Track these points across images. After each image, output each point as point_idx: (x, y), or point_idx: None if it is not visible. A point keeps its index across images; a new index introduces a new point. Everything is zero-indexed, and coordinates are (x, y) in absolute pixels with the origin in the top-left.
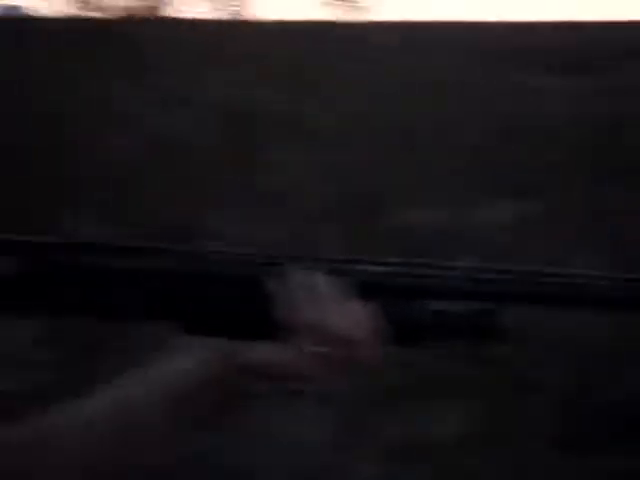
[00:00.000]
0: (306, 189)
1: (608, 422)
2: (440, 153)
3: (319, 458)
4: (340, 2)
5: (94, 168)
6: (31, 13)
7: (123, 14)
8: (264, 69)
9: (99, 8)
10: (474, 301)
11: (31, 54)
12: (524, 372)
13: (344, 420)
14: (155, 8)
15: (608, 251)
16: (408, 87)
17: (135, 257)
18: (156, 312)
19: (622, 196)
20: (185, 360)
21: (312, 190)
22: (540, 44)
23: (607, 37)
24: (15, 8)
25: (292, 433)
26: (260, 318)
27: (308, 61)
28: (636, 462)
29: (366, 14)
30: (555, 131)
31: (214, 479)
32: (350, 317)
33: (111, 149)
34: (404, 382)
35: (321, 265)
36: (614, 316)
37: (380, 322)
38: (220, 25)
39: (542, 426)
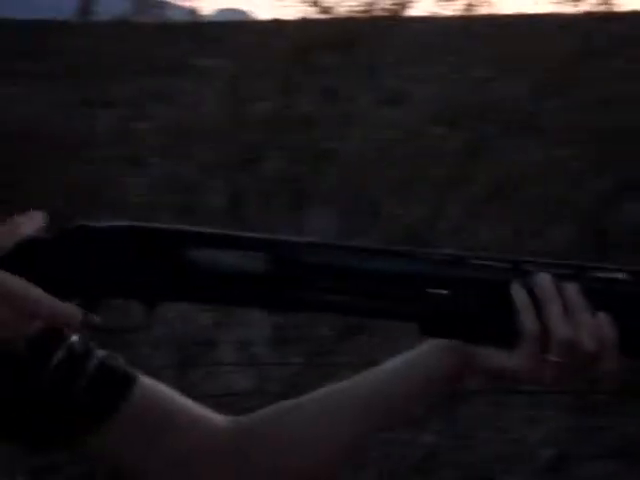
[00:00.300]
0: (533, 187)
1: None
2: None
3: (545, 455)
4: None
5: (328, 167)
6: (254, 17)
7: (352, 15)
8: (498, 64)
9: (328, 10)
10: None
11: (256, 57)
12: None
13: (570, 418)
14: (386, 9)
15: None
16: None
17: (376, 258)
18: (392, 312)
19: None
20: (418, 358)
21: (539, 188)
22: None
23: None
24: (238, 12)
25: (518, 431)
26: (498, 322)
27: (548, 56)
28: None
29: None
30: None
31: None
32: (593, 327)
33: (343, 148)
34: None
35: (561, 270)
36: None
37: (619, 333)
38: (450, 21)
39: None
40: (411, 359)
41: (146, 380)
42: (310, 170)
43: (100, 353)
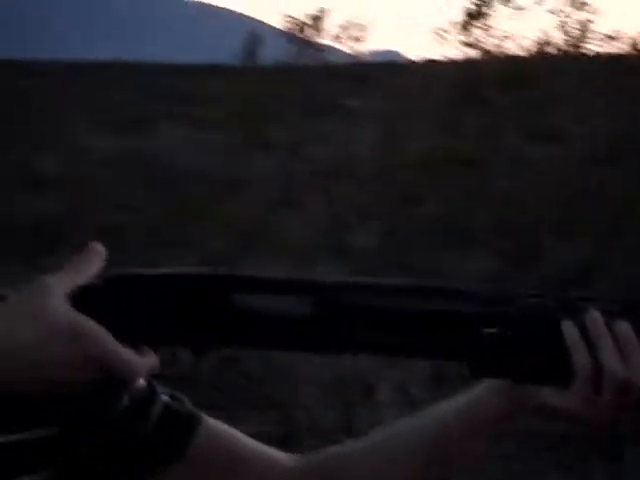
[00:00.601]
0: None
1: None
2: None
3: None
4: None
5: (487, 208)
6: (409, 57)
7: (512, 54)
8: None
9: (487, 50)
10: None
11: (415, 97)
12: None
13: None
14: (549, 47)
15: None
16: None
17: (421, 297)
18: (441, 353)
19: None
20: (468, 402)
21: None
22: None
23: None
24: (393, 53)
25: None
26: (550, 361)
27: None
28: None
29: None
30: None
31: None
32: None
33: (502, 188)
34: None
35: (611, 307)
36: None
37: None
38: (613, 58)
39: None
40: (461, 404)
41: (211, 422)
42: (468, 210)
43: (164, 396)
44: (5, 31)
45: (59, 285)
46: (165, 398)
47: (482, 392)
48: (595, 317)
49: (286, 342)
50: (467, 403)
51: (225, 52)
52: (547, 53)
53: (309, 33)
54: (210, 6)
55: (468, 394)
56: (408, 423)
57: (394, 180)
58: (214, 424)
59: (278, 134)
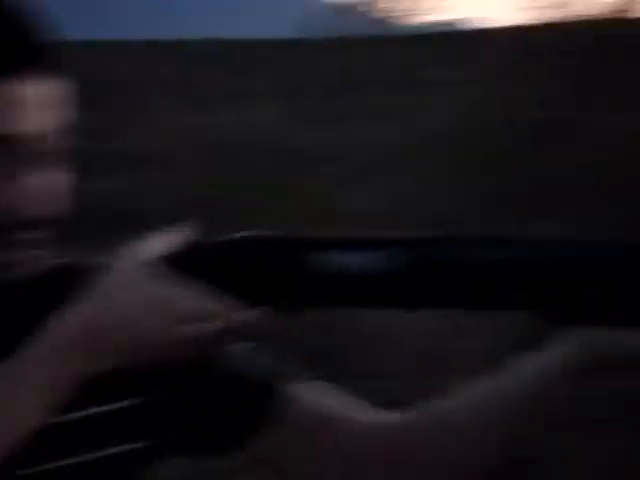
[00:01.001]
0: None
1: None
2: None
3: None
4: None
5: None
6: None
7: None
8: None
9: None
10: None
11: None
12: None
13: None
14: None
15: None
16: None
17: (505, 248)
18: (520, 302)
19: None
20: (550, 351)
21: None
22: None
23: None
24: (468, 21)
25: None
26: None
27: None
28: None
29: None
30: None
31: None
32: None
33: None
34: None
35: None
36: None
37: None
38: None
39: None
40: (545, 359)
41: (306, 383)
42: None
43: (263, 356)
44: (89, 10)
45: (149, 251)
46: (263, 357)
47: (562, 348)
48: None
49: (361, 299)
50: (544, 365)
51: (290, 27)
52: None
53: (382, 5)
54: None
55: (543, 355)
56: (490, 385)
57: (472, 152)
58: (309, 385)
59: (356, 107)
